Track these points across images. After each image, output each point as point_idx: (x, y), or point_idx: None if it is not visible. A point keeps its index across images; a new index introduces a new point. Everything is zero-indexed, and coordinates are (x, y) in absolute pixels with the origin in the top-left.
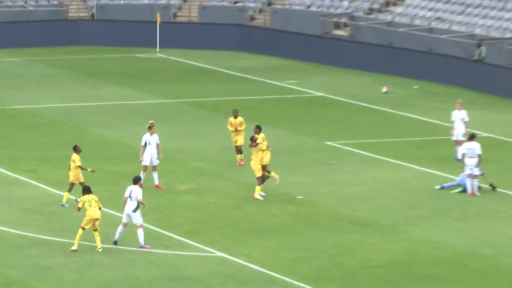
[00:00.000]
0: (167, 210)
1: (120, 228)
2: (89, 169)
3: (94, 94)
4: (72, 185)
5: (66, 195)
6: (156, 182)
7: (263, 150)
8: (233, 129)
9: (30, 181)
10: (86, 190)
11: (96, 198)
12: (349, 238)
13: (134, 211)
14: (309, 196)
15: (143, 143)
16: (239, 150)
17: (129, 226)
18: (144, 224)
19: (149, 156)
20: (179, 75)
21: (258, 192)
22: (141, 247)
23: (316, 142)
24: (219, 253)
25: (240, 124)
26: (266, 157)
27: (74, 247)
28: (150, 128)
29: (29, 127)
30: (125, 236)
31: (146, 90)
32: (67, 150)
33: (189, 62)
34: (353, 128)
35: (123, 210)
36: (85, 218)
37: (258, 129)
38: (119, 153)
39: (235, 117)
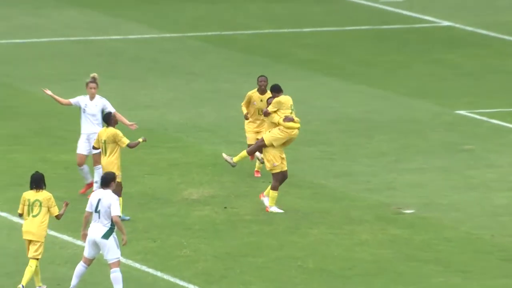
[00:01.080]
0: (167, 235)
1: (80, 267)
2: (140, 140)
3: (34, 23)
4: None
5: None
6: (88, 180)
7: (276, 124)
8: (255, 112)
9: None
10: (35, 182)
11: (45, 197)
12: (502, 285)
13: (106, 236)
14: (426, 209)
15: (73, 102)
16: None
17: (97, 264)
18: (124, 261)
19: (85, 139)
20: None
21: (274, 201)
22: None
23: (439, 110)
24: None
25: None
26: (273, 134)
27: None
28: (90, 86)
29: None
30: (89, 282)
31: (131, 15)
32: None
33: None
34: (506, 86)
35: (84, 235)
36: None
37: (277, 91)
38: (80, 132)
39: (263, 91)
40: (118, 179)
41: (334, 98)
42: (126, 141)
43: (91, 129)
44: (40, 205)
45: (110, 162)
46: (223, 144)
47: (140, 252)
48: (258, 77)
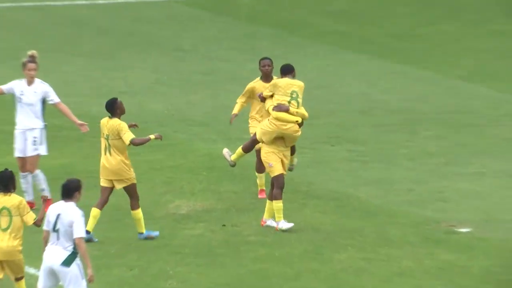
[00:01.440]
0: (147, 261)
1: None
2: (152, 136)
3: None
4: (109, 191)
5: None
6: (30, 196)
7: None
8: (260, 108)
9: None
10: (2, 183)
11: (13, 204)
12: None
13: (66, 263)
14: (486, 227)
15: (5, 88)
16: None
17: None
18: None
19: (22, 137)
20: None
21: (281, 213)
22: None
23: (502, 97)
24: None
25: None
26: (263, 126)
27: None
28: (28, 67)
29: None
30: None
31: None
32: None
33: None
34: None
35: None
36: None
37: (285, 72)
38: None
39: (267, 77)
40: (133, 181)
41: (366, 81)
42: (129, 136)
43: (28, 124)
44: (9, 214)
45: (119, 162)
46: (221, 142)
47: (112, 283)
48: (260, 60)
